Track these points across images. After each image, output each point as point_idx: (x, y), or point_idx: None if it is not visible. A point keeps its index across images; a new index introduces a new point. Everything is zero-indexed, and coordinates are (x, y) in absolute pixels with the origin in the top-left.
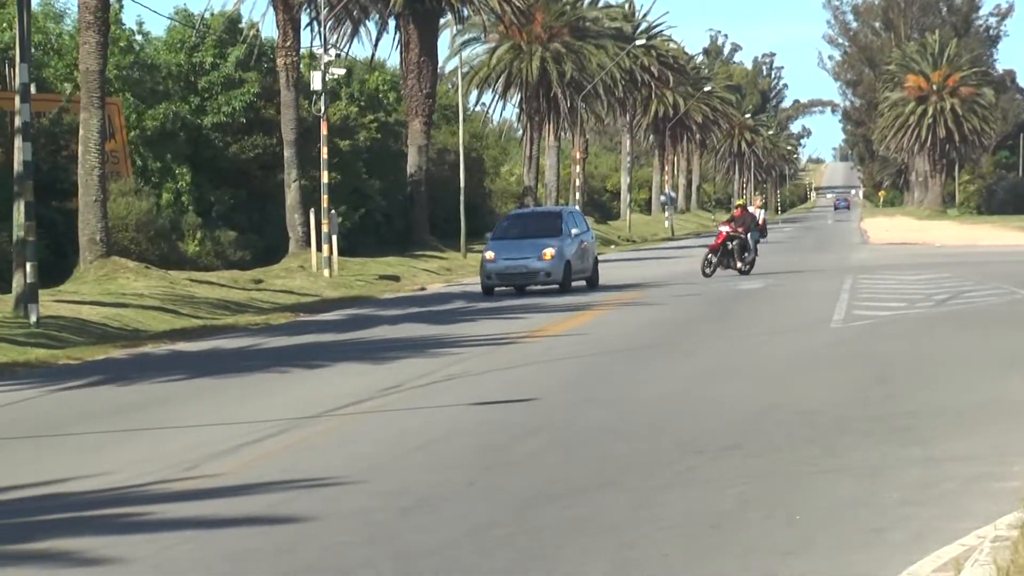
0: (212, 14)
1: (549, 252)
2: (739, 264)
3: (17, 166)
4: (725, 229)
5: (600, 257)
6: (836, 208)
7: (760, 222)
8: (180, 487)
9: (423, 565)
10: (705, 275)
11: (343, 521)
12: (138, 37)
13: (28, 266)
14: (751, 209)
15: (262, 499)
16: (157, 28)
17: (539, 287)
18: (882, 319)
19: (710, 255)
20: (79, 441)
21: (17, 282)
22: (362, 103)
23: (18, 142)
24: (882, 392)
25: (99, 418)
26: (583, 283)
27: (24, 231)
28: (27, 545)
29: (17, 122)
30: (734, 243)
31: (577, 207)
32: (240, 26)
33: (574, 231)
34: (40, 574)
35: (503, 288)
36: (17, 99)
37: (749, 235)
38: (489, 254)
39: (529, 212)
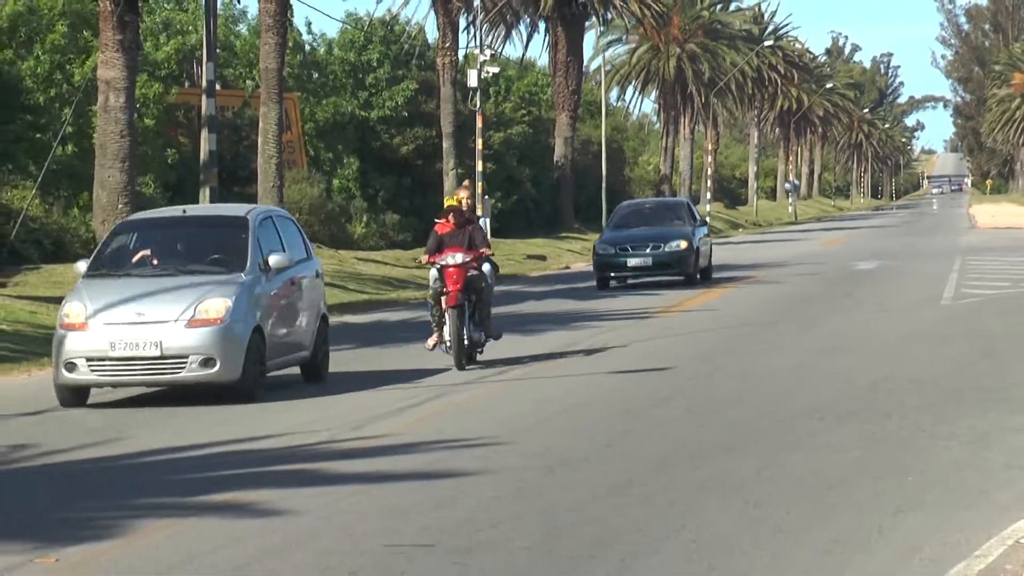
0: (376, 17)
1: None
2: (475, 335)
3: (203, 155)
4: (456, 259)
5: (728, 240)
6: (952, 190)
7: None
8: (348, 446)
9: (567, 520)
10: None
11: (494, 478)
12: (307, 37)
13: None
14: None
15: (421, 457)
16: (328, 28)
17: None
18: (989, 297)
19: (444, 314)
20: (257, 404)
21: None
22: (516, 100)
23: (204, 133)
24: (989, 365)
25: (275, 383)
26: None
27: None
28: (209, 497)
29: (203, 115)
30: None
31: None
32: (396, 27)
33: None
34: (220, 523)
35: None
36: (204, 95)
37: (485, 270)
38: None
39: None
